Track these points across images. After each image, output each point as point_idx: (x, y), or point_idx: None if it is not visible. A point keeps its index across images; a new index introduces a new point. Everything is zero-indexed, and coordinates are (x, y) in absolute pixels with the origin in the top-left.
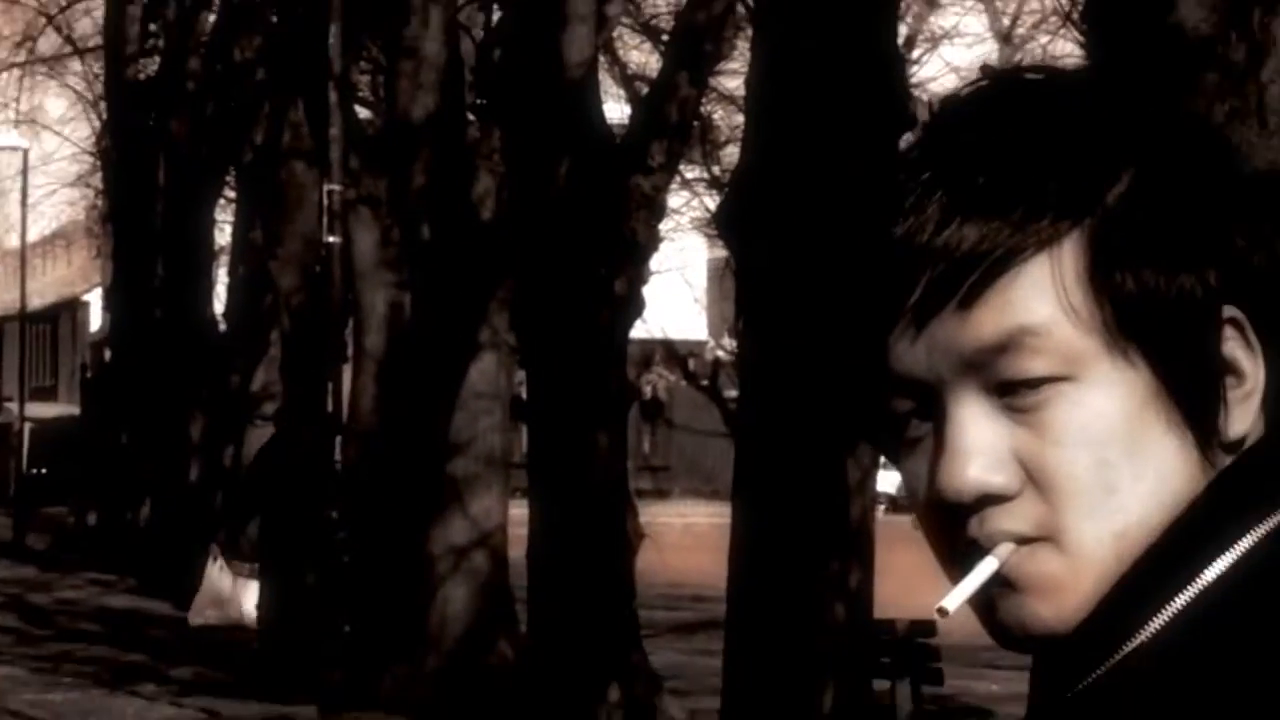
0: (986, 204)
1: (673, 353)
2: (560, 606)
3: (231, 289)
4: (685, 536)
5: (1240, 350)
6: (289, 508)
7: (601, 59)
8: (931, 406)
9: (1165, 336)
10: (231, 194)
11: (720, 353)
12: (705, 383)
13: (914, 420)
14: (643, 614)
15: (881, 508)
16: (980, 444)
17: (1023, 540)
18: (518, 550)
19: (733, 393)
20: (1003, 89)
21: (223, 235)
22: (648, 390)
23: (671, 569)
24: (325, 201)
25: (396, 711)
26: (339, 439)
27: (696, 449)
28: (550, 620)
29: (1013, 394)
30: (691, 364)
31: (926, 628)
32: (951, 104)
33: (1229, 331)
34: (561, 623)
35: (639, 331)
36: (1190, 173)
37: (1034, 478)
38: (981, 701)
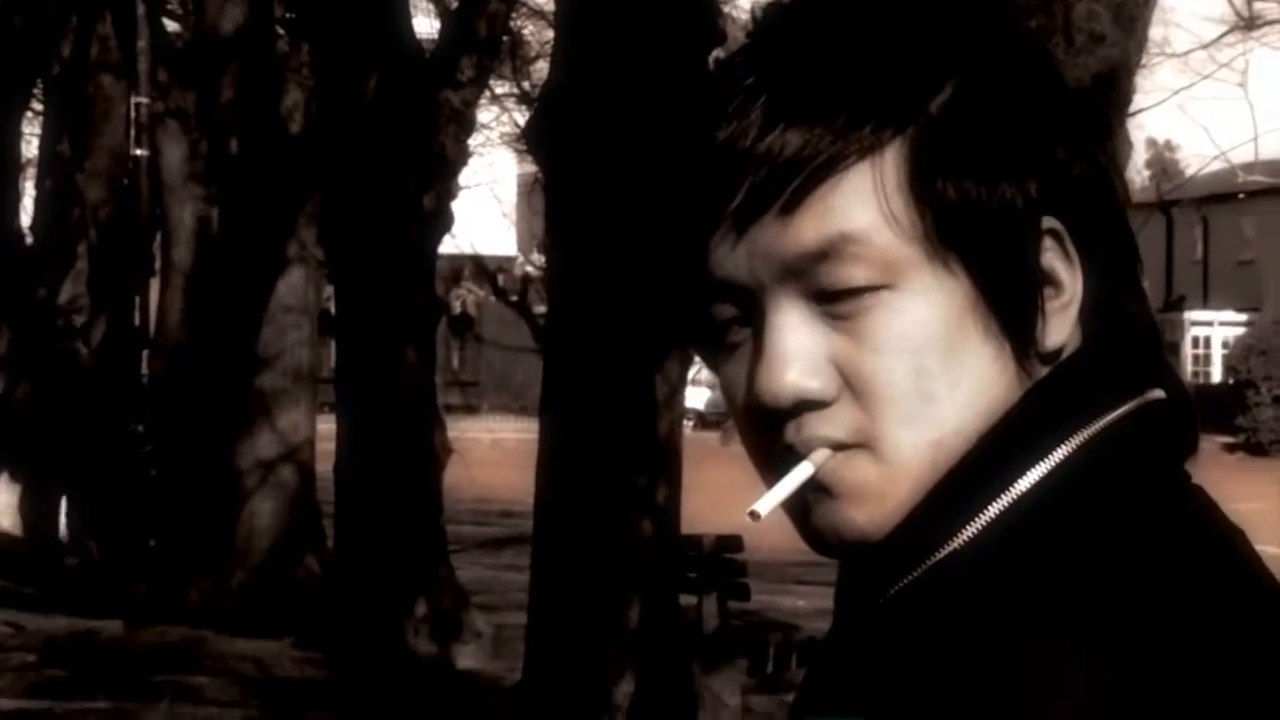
0: (809, 110)
1: (482, 268)
2: (367, 521)
3: (38, 202)
4: (493, 452)
5: (1059, 261)
6: (92, 420)
7: None
8: (751, 312)
9: (985, 246)
10: (39, 106)
11: (529, 268)
12: (514, 298)
13: (734, 326)
14: (450, 529)
15: (689, 424)
16: (799, 349)
17: (839, 446)
18: (325, 465)
19: (542, 308)
20: None
21: (30, 148)
22: (457, 305)
23: (479, 484)
24: (133, 114)
25: (203, 626)
26: (146, 352)
27: (505, 364)
28: (357, 535)
29: (833, 301)
30: (501, 279)
31: (733, 543)
32: (775, 10)
33: (1048, 242)
34: (368, 538)
35: (448, 247)
36: (1013, 83)
37: (852, 385)
38: (787, 616)
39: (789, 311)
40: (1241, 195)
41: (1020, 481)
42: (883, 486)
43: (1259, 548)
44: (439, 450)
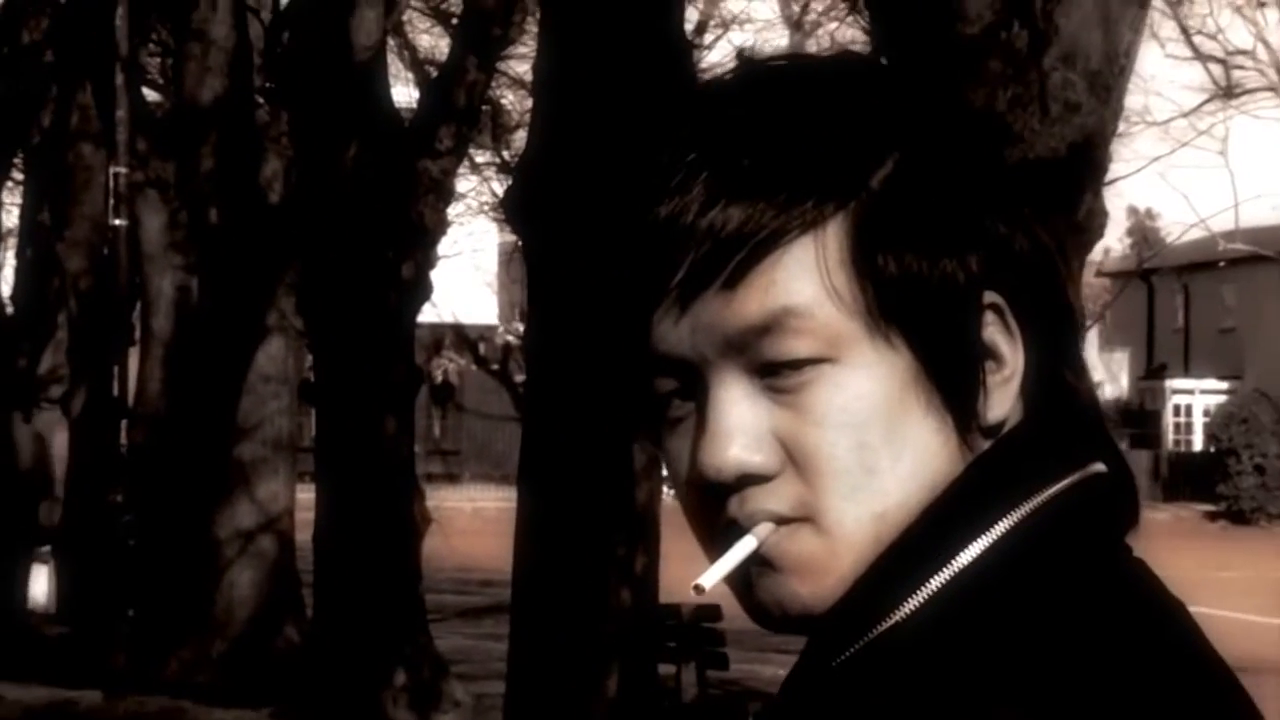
0: (751, 185)
1: (463, 337)
2: (346, 591)
3: (19, 271)
4: (474, 521)
5: (1000, 335)
6: (73, 491)
7: (390, 42)
8: (694, 386)
9: (926, 320)
10: (19, 176)
11: (510, 337)
12: (495, 367)
13: (676, 400)
14: (430, 598)
15: (668, 492)
16: (741, 423)
17: (782, 520)
18: (305, 534)
19: (523, 377)
20: (768, 72)
21: (10, 217)
22: (438, 374)
23: (460, 553)
24: (112, 184)
25: (182, 696)
26: (125, 422)
27: (487, 433)
28: (336, 604)
29: (775, 375)
30: (482, 348)
31: (712, 612)
32: (716, 85)
33: (989, 317)
34: (347, 607)
35: (430, 316)
36: (954, 159)
37: (794, 458)
38: (766, 685)
39: (731, 386)
40: (1222, 263)
41: (962, 555)
42: (826, 560)
43: (1238, 615)
44: (418, 519)
